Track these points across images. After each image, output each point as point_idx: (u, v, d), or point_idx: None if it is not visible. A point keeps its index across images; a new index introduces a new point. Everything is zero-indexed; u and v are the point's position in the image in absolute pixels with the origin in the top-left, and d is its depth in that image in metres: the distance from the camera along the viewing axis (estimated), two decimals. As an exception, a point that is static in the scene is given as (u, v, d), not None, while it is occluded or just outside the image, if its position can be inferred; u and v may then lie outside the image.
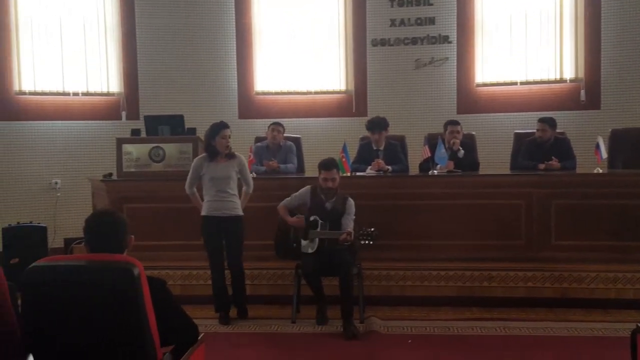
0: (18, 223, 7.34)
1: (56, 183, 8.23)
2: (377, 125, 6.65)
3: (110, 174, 6.57)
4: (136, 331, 2.54)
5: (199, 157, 5.61)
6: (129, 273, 2.51)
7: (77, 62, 8.40)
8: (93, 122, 8.41)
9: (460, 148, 6.58)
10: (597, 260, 5.81)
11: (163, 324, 2.66)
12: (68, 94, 8.34)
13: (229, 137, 5.46)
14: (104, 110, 8.49)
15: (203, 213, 5.50)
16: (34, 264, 2.62)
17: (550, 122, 6.68)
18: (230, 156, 5.50)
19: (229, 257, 5.51)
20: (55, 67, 8.30)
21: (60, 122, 8.30)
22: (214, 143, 5.43)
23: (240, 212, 5.51)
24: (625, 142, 7.03)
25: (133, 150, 6.46)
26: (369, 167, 6.54)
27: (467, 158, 6.61)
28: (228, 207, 5.43)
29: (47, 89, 8.29)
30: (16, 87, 8.16)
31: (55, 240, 7.87)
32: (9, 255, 6.84)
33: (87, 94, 8.43)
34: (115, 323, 2.54)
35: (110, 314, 2.53)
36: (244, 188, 5.63)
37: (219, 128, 5.45)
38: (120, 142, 6.53)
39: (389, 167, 6.49)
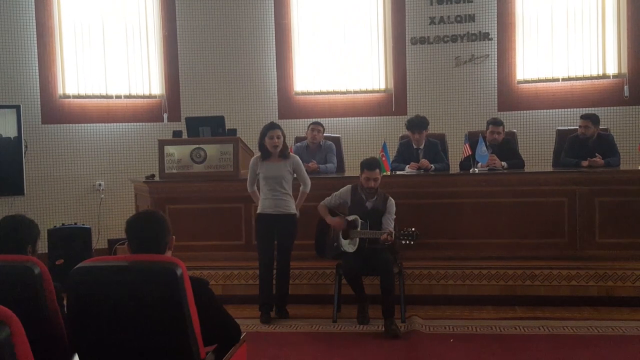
0: (63, 224, 7.52)
1: (100, 185, 8.38)
2: (418, 125, 6.62)
3: (153, 175, 6.66)
4: (179, 331, 2.56)
5: (254, 157, 5.73)
6: (172, 273, 2.53)
7: (120, 65, 8.54)
8: (135, 124, 8.55)
9: (504, 164, 6.45)
10: (643, 258, 5.72)
11: (206, 324, 2.68)
12: (111, 97, 8.49)
13: (278, 138, 5.52)
14: (146, 113, 8.63)
15: (258, 211, 5.62)
16: (79, 265, 2.66)
17: (593, 119, 6.57)
18: (285, 156, 5.57)
19: (278, 254, 5.58)
20: (98, 71, 8.46)
21: (103, 124, 8.46)
22: (265, 143, 5.52)
23: (293, 211, 5.58)
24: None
25: (175, 151, 6.54)
26: (408, 166, 6.52)
27: (511, 166, 6.50)
28: (281, 205, 5.51)
29: (90, 92, 8.44)
30: (60, 91, 8.33)
31: (99, 241, 8.05)
32: (54, 256, 7.01)
33: (129, 96, 8.57)
34: (159, 323, 2.57)
35: (153, 314, 2.56)
36: (301, 187, 5.70)
37: (267, 129, 5.57)
38: (162, 143, 6.62)
39: (432, 166, 6.47)
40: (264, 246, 5.57)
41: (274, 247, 5.57)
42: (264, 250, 5.57)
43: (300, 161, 5.72)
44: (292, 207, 5.58)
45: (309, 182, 5.70)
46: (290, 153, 5.72)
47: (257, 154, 5.71)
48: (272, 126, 5.58)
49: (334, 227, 5.51)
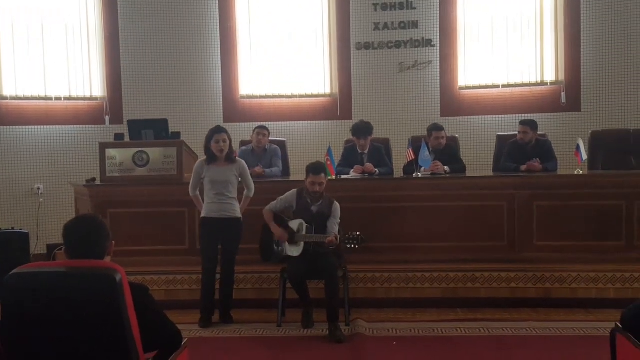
0: (-1, 229, 7.28)
1: (38, 188, 8.17)
2: (362, 130, 6.67)
3: (94, 179, 6.52)
4: (118, 338, 2.52)
5: (200, 160, 5.68)
6: (111, 279, 2.49)
7: (60, 67, 8.34)
8: (76, 126, 8.36)
9: (446, 168, 6.56)
10: (579, 260, 5.88)
11: (145, 330, 2.64)
12: (50, 99, 8.29)
13: (224, 142, 5.48)
14: (87, 115, 8.45)
15: (202, 215, 5.56)
16: (14, 271, 2.58)
17: (531, 125, 6.75)
18: (231, 161, 5.54)
19: (223, 259, 5.53)
20: (37, 72, 8.24)
21: (42, 127, 8.25)
22: (211, 147, 5.48)
23: (239, 215, 5.55)
24: (604, 144, 7.15)
25: (116, 154, 6.41)
26: (352, 170, 6.57)
27: (453, 171, 6.61)
28: (226, 209, 5.47)
29: (29, 93, 8.23)
30: (-3, 92, 8.11)
31: (37, 247, 7.82)
32: (-10, 262, 6.77)
33: (69, 98, 8.38)
34: (97, 330, 2.52)
35: (91, 320, 2.51)
36: (245, 192, 5.67)
37: (212, 133, 5.52)
38: (103, 146, 6.47)
39: (376, 170, 6.52)
40: (208, 251, 5.53)
41: (218, 252, 5.54)
42: (208, 255, 5.52)
43: (247, 166, 5.70)
44: (238, 211, 5.55)
45: (253, 186, 5.69)
46: (237, 157, 5.68)
47: (202, 157, 5.66)
48: (218, 130, 5.54)
49: (277, 238, 5.51)
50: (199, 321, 5.46)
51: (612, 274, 5.72)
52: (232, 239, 5.52)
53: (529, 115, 7.62)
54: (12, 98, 8.16)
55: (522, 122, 6.82)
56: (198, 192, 5.67)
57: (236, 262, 5.58)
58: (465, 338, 5.07)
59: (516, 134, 6.88)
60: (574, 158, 6.48)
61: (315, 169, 5.41)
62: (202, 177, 5.56)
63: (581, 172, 6.30)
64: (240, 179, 5.61)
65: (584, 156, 6.40)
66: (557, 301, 5.72)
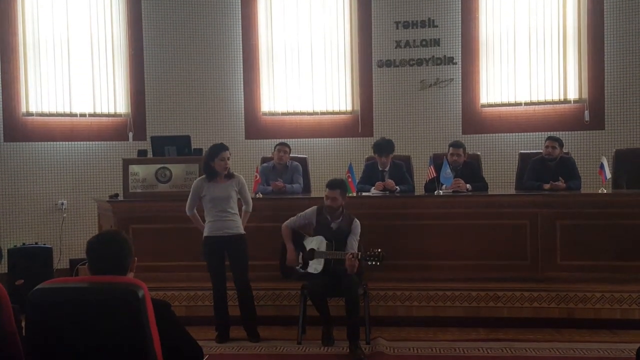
0: (23, 244, 7.34)
1: (62, 204, 8.25)
2: (385, 148, 6.66)
3: (117, 195, 6.59)
4: (140, 353, 2.53)
5: (199, 178, 5.65)
6: (134, 295, 2.51)
7: (84, 83, 8.45)
8: (100, 143, 8.46)
9: (468, 186, 6.54)
10: (603, 280, 5.80)
11: (167, 346, 2.66)
12: (75, 115, 8.39)
13: (228, 159, 5.49)
14: (111, 131, 8.55)
15: (205, 234, 5.53)
16: (38, 286, 2.61)
17: (559, 141, 6.71)
18: (229, 176, 5.54)
19: (235, 277, 5.52)
20: (63, 89, 8.36)
21: (67, 143, 8.35)
22: (213, 165, 5.47)
23: (242, 231, 5.53)
24: (629, 162, 7.07)
25: (139, 170, 6.47)
26: (374, 187, 6.56)
27: (475, 189, 6.58)
28: (230, 226, 5.46)
29: (54, 110, 8.34)
30: (23, 109, 8.22)
31: (60, 262, 7.89)
32: (14, 277, 6.85)
33: (94, 115, 8.47)
34: (120, 345, 2.54)
35: (114, 336, 2.53)
36: (243, 207, 5.66)
37: (218, 150, 5.47)
38: (126, 162, 6.54)
39: (397, 188, 6.51)
40: (217, 270, 5.51)
41: (226, 268, 5.53)
42: (217, 274, 5.51)
43: (244, 181, 5.67)
44: (241, 228, 5.53)
45: (251, 202, 5.68)
46: (234, 173, 5.63)
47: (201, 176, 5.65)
48: (223, 147, 5.50)
49: (287, 259, 5.50)
50: (215, 337, 5.47)
51: (637, 295, 5.63)
52: (239, 256, 5.50)
53: (551, 133, 7.54)
54: (38, 114, 8.27)
55: (551, 138, 6.78)
56: (195, 211, 5.67)
57: (257, 278, 5.59)
58: (487, 358, 5.01)
59: (539, 152, 6.84)
60: (597, 177, 6.41)
61: (331, 184, 5.43)
62: (201, 196, 5.54)
63: (605, 191, 6.23)
64: (238, 195, 5.59)
65: (608, 175, 6.33)
66: (581, 322, 5.64)
